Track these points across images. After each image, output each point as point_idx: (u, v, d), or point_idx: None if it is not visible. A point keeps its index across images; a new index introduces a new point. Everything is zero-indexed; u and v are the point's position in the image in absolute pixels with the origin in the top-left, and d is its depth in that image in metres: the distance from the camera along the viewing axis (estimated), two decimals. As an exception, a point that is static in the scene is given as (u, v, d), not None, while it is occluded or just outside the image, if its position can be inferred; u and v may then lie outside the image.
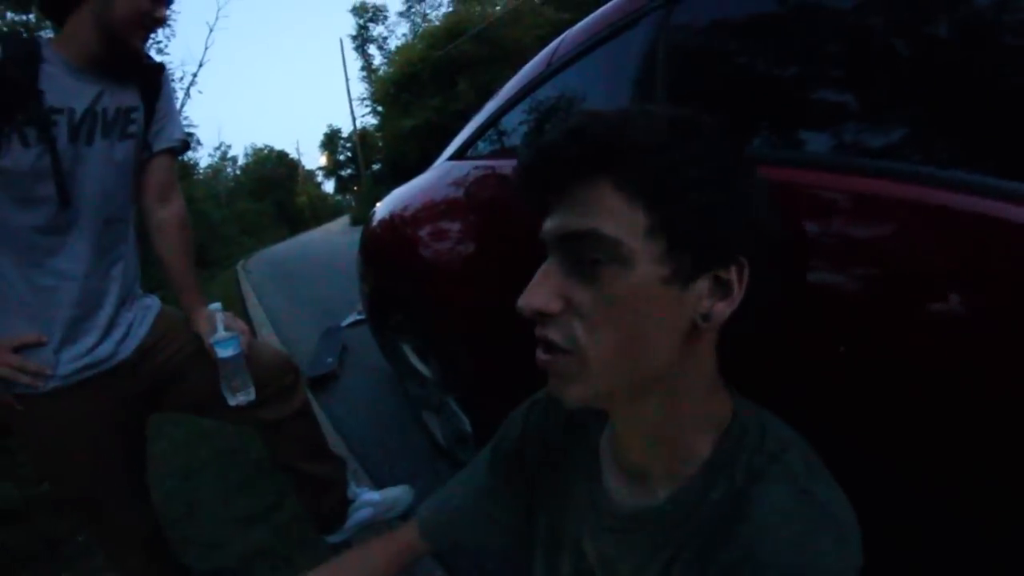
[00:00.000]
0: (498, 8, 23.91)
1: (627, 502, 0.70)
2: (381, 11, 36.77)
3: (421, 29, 30.67)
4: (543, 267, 0.62)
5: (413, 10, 34.99)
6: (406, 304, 2.23)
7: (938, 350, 0.70)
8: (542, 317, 0.61)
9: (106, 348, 1.39)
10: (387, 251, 2.37)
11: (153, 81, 1.46)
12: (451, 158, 2.13)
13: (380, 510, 1.95)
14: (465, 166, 1.96)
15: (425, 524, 0.93)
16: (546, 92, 1.70)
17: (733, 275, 0.59)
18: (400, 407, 2.92)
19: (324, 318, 5.30)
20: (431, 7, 34.14)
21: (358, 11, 36.39)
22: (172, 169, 1.56)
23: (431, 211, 2.08)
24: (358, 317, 4.86)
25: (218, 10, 39.96)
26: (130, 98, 1.41)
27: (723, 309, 0.59)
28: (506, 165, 1.74)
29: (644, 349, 0.59)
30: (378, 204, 2.71)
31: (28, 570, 2.30)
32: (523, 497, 0.85)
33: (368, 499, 1.94)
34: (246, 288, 9.03)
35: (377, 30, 36.83)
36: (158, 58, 1.53)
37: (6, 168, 1.22)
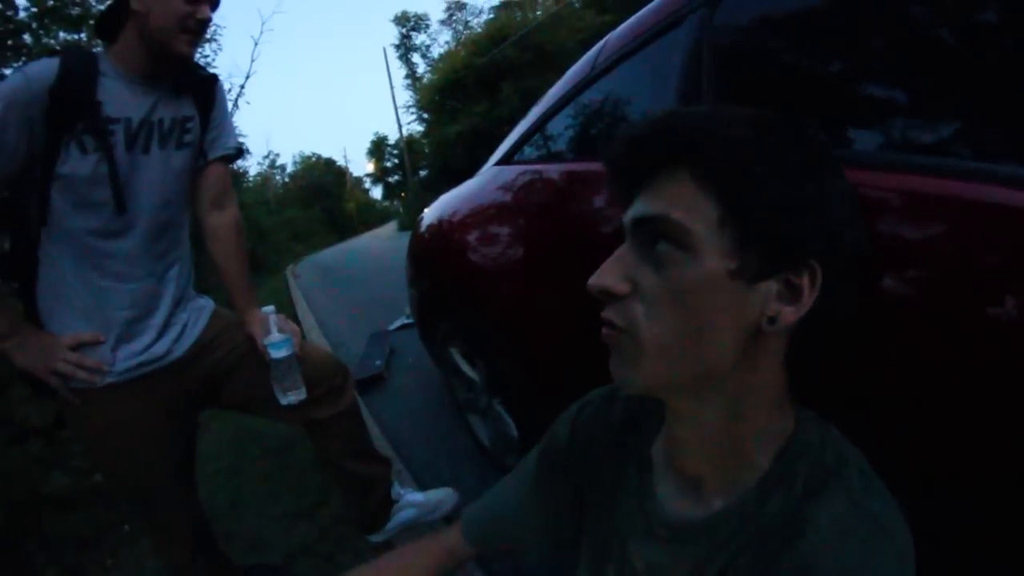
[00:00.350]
0: (539, 14, 23.93)
1: (679, 511, 0.68)
2: (423, 20, 37.27)
3: (463, 36, 31.04)
4: (617, 250, 0.63)
5: (454, 18, 35.34)
6: (454, 308, 2.25)
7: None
8: (609, 297, 0.61)
9: (161, 347, 1.44)
10: (435, 255, 2.39)
11: (207, 92, 1.51)
12: (498, 163, 2.14)
13: (423, 512, 1.95)
14: (512, 171, 1.97)
15: (469, 527, 0.92)
16: (591, 95, 1.69)
17: (805, 281, 0.57)
18: (446, 410, 2.94)
19: (372, 321, 5.36)
20: (472, 14, 34.54)
21: (400, 20, 36.94)
22: (227, 176, 1.61)
23: (479, 216, 2.09)
24: (406, 321, 4.92)
25: (263, 24, 40.97)
26: (185, 108, 1.46)
27: (790, 315, 0.58)
28: (553, 169, 1.74)
29: (702, 341, 0.58)
30: (426, 210, 2.74)
31: (75, 555, 2.40)
32: (569, 502, 0.84)
33: (412, 500, 1.95)
34: (295, 292, 9.21)
35: (420, 39, 37.34)
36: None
37: (65, 174, 1.28)
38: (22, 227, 1.35)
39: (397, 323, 5.02)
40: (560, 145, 1.84)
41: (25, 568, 2.31)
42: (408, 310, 4.91)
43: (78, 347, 1.34)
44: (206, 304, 1.60)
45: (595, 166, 1.51)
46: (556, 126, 1.86)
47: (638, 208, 0.61)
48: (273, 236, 20.95)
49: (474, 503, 0.95)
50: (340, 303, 7.41)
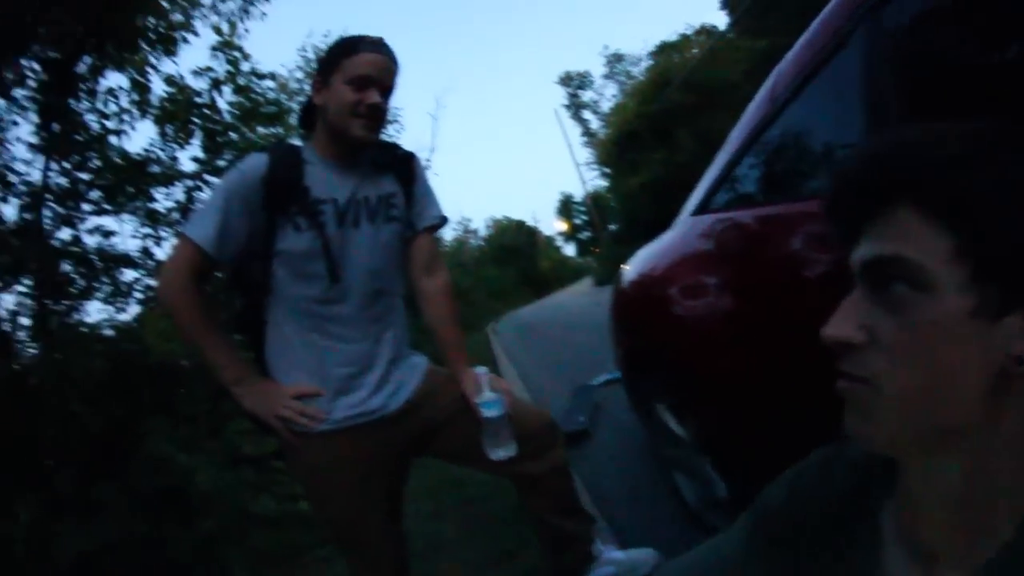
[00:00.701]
0: (695, 51, 23.38)
1: None
2: (586, 77, 37.85)
3: (627, 87, 30.99)
4: (848, 297, 0.60)
5: (615, 70, 35.61)
6: (661, 363, 2.22)
7: None
8: (845, 348, 0.58)
9: (377, 401, 1.58)
10: (639, 311, 2.40)
11: (406, 168, 1.68)
12: (694, 213, 2.11)
13: (622, 571, 1.90)
14: (708, 220, 1.94)
15: None
16: (775, 132, 1.64)
17: None
18: (651, 469, 2.86)
19: (573, 377, 5.39)
20: (631, 64, 34.48)
21: (564, 81, 37.90)
22: (434, 244, 1.76)
23: (680, 268, 2.07)
24: (610, 376, 4.89)
25: (437, 102, 43.80)
26: (388, 185, 1.64)
27: None
28: (748, 215, 1.69)
29: (946, 388, 0.53)
30: (625, 266, 2.75)
31: (271, 570, 2.70)
32: (780, 572, 0.79)
33: (611, 558, 1.91)
34: (497, 349, 9.57)
35: (587, 95, 37.90)
36: None
37: (284, 250, 1.49)
38: (251, 293, 1.59)
39: (601, 378, 5.01)
40: (750, 188, 1.80)
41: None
42: (611, 365, 4.91)
43: (300, 397, 1.52)
44: (420, 362, 1.72)
45: (792, 207, 1.45)
46: (745, 169, 1.81)
47: (866, 250, 0.57)
48: (472, 296, 22.03)
49: (673, 561, 0.91)
50: (541, 359, 7.54)
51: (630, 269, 2.61)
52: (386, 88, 1.53)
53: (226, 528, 2.97)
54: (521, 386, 5.83)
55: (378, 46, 1.53)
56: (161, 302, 1.57)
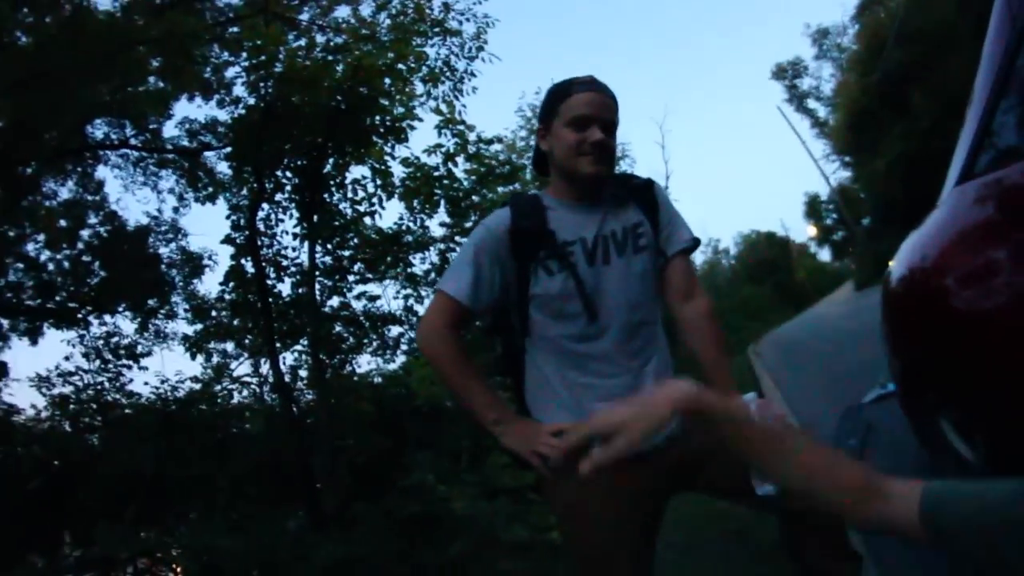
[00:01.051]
0: None
1: None
2: (798, 64, 34.69)
3: (843, 62, 28.16)
4: None
5: (825, 48, 32.34)
6: (946, 370, 1.86)
7: None
8: None
9: None
10: (914, 310, 2.04)
11: (647, 196, 1.66)
12: (959, 183, 1.78)
13: None
14: (982, 184, 1.62)
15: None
16: None
17: None
18: None
19: (843, 395, 4.86)
20: (838, 34, 31.14)
21: (778, 74, 35.06)
22: (689, 268, 1.71)
23: (958, 251, 1.75)
24: (882, 391, 4.32)
25: (660, 128, 42.91)
26: (633, 216, 1.63)
27: None
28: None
29: None
30: (891, 262, 2.39)
31: None
32: None
33: None
34: (760, 372, 9.05)
35: (805, 83, 34.73)
36: None
37: (538, 294, 1.54)
38: (509, 337, 1.67)
39: (872, 394, 4.43)
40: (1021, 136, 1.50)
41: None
42: (883, 379, 4.31)
43: (558, 434, 1.50)
44: None
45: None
46: (1008, 116, 1.51)
47: None
48: (729, 318, 21.20)
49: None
50: (808, 379, 7.08)
51: (897, 264, 2.24)
52: (607, 123, 1.55)
53: (476, 552, 3.14)
54: (787, 411, 5.35)
55: (590, 84, 1.57)
56: (422, 352, 1.66)
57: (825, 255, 47.53)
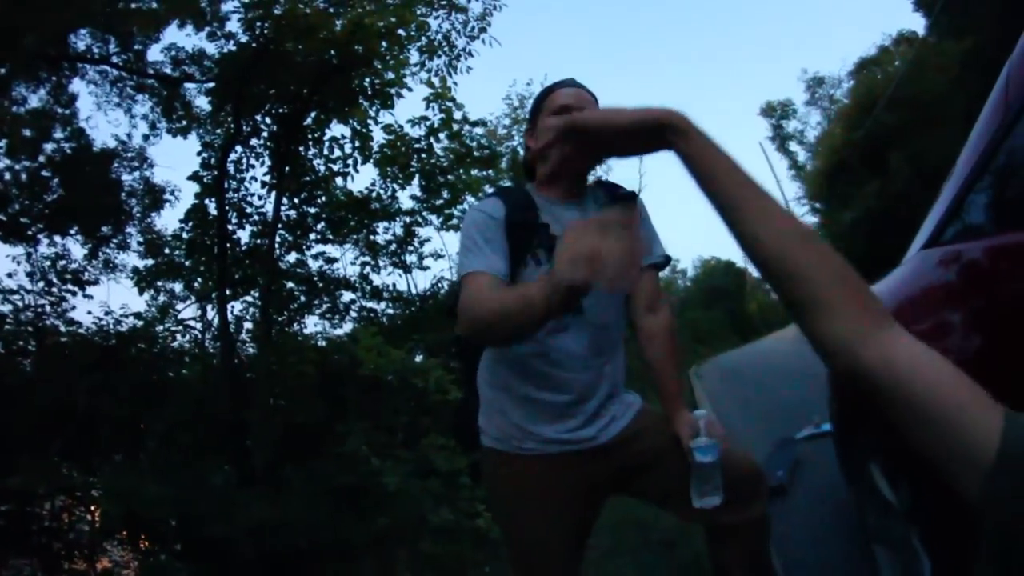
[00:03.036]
0: (897, 64, 20.91)
1: None
2: (788, 106, 35.08)
3: (832, 112, 28.82)
4: None
5: (817, 96, 32.86)
6: (880, 418, 1.91)
7: None
8: None
9: (588, 431, 1.57)
10: None
11: (629, 208, 1.66)
12: (925, 247, 1.85)
13: None
14: (946, 252, 1.68)
15: None
16: (1017, 142, 1.37)
17: None
18: (849, 535, 2.59)
19: (775, 428, 5.05)
20: (832, 86, 31.74)
21: (767, 112, 35.41)
22: (657, 282, 1.75)
23: (914, 308, 1.83)
24: (815, 431, 4.49)
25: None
26: None
27: None
28: (997, 242, 1.43)
29: None
30: None
31: (434, 574, 2.87)
32: None
33: None
34: (699, 394, 9.22)
35: (791, 125, 35.08)
36: None
37: (525, 280, 1.53)
38: None
39: (805, 432, 4.60)
40: (992, 213, 1.53)
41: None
42: (817, 419, 4.46)
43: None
44: (635, 400, 1.70)
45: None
46: (983, 193, 1.55)
47: None
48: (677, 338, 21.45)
49: None
50: (744, 407, 7.22)
51: None
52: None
53: (401, 529, 3.13)
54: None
55: (572, 83, 1.65)
56: (481, 324, 1.40)
57: (778, 293, 48.57)
